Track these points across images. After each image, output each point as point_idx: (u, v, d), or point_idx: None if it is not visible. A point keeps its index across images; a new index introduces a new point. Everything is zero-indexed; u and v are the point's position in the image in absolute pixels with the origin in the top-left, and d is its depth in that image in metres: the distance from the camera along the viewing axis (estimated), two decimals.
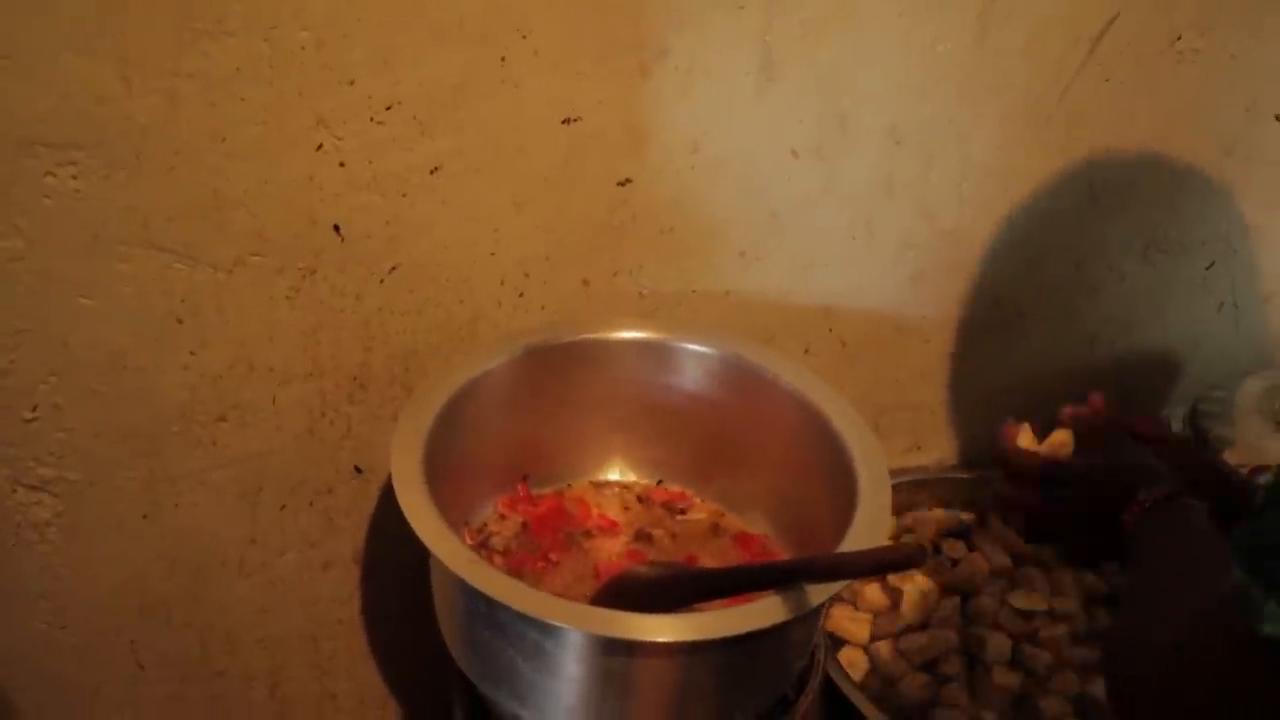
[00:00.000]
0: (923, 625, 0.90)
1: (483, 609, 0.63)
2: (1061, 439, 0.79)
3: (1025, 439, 0.80)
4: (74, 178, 0.65)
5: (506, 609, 0.60)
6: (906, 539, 0.99)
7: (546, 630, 0.61)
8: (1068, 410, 0.81)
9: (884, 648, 0.88)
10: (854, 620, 0.91)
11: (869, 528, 0.67)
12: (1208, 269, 1.12)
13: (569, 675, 0.63)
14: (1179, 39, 0.94)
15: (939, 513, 1.03)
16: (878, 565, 0.61)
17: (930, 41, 0.84)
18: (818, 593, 0.61)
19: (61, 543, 0.76)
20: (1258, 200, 1.09)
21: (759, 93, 0.81)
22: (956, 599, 0.92)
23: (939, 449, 1.10)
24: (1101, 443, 0.78)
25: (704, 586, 0.68)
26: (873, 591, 0.93)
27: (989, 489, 0.84)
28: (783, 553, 0.80)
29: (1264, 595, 0.44)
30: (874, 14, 0.81)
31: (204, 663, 0.86)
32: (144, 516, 0.78)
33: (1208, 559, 0.56)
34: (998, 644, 0.87)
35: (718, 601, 0.65)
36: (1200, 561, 0.57)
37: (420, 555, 0.65)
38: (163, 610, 0.82)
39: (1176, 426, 1.15)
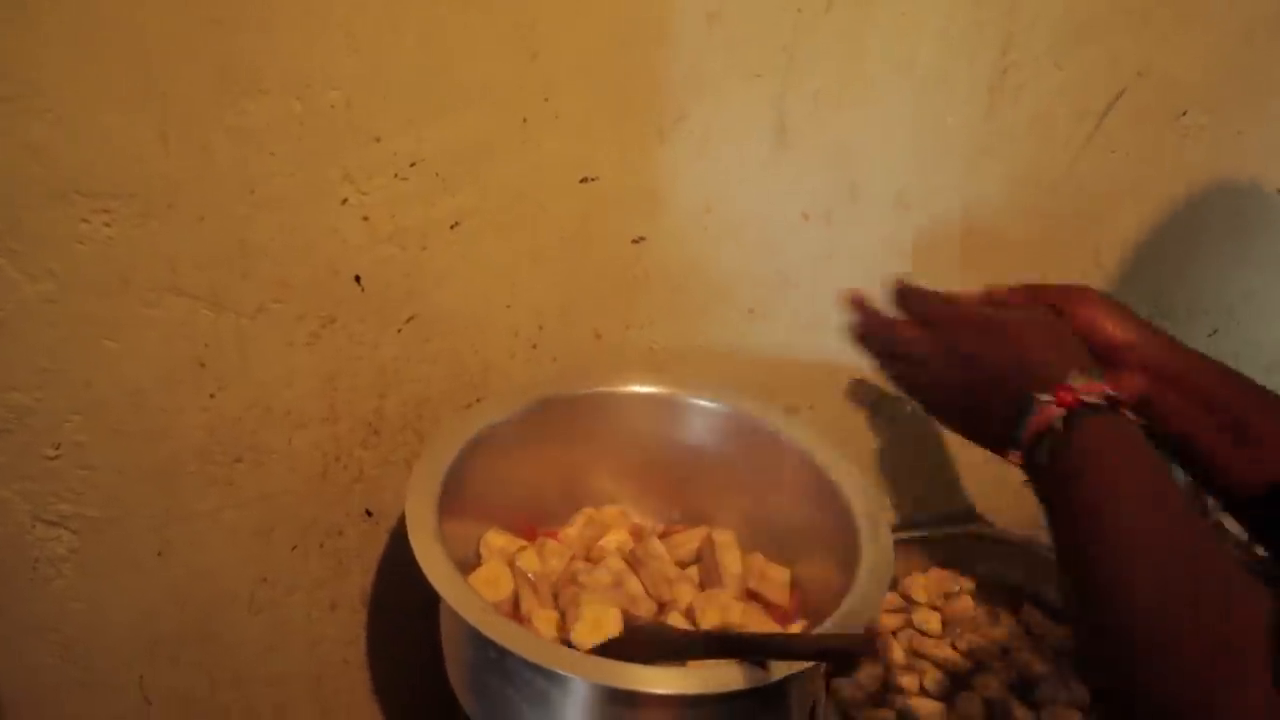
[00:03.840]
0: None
1: (492, 656, 0.64)
2: None
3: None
4: (107, 225, 0.68)
5: (515, 657, 0.62)
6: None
7: (553, 678, 0.62)
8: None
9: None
10: None
11: (867, 595, 0.68)
12: (1210, 336, 1.13)
13: None
14: (1184, 114, 0.96)
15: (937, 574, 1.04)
16: (823, 653, 0.61)
17: (939, 113, 0.86)
18: (778, 668, 0.62)
19: (76, 578, 0.77)
20: (1259, 271, 1.11)
21: (772, 158, 0.83)
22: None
23: (941, 505, 1.11)
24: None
25: (672, 647, 0.68)
26: None
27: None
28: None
29: None
30: (885, 86, 0.83)
31: (210, 699, 0.87)
32: (158, 554, 0.79)
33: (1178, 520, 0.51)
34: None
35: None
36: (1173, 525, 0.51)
37: (426, 599, 0.66)
38: (172, 647, 0.83)
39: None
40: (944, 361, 0.62)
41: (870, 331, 0.66)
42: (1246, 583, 0.48)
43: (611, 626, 0.71)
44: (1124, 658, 0.49)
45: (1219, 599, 0.48)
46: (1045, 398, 0.55)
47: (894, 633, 0.99)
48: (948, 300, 0.65)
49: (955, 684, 0.94)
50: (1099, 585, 0.51)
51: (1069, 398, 0.55)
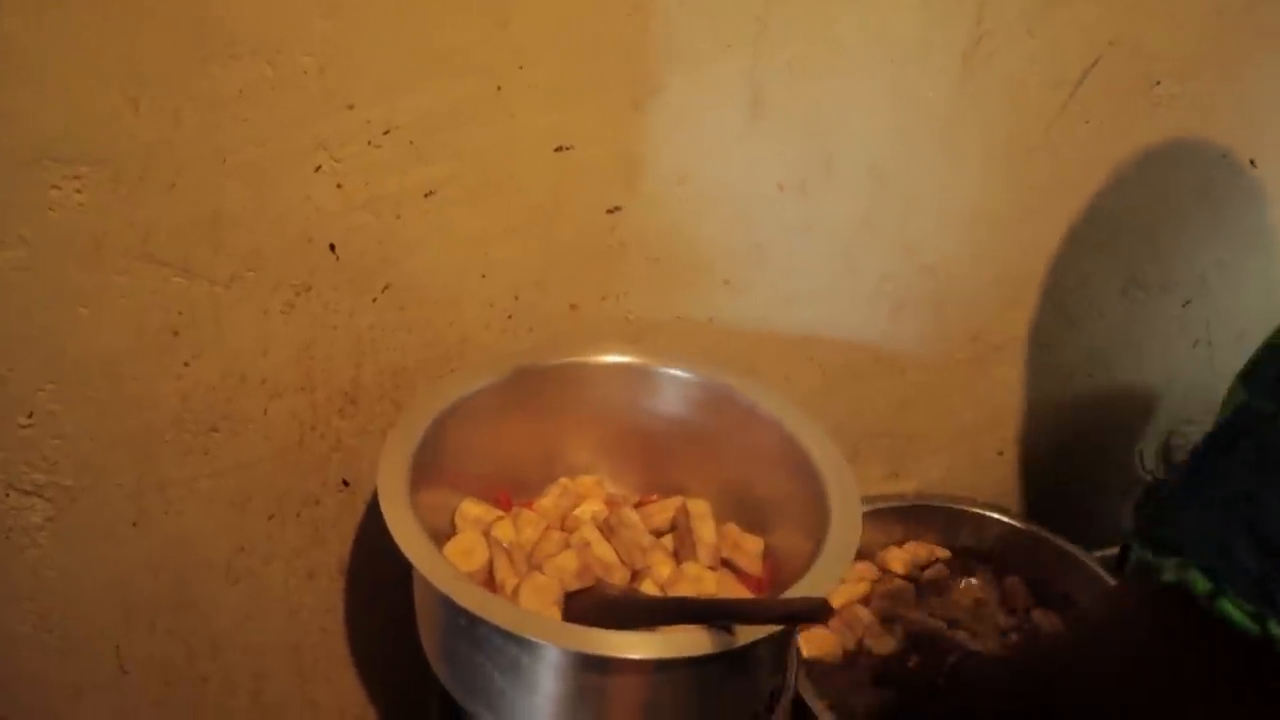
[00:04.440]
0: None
1: (462, 623, 0.65)
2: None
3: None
4: (78, 191, 0.67)
5: (485, 624, 0.62)
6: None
7: (524, 645, 0.63)
8: None
9: None
10: None
11: (831, 564, 0.69)
12: (1184, 307, 1.14)
13: (545, 690, 0.64)
14: (1158, 84, 0.97)
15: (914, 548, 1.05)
16: (786, 616, 0.63)
17: (914, 83, 0.87)
18: (744, 632, 0.63)
19: (51, 547, 0.78)
20: (1232, 242, 1.12)
21: (746, 129, 0.83)
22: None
23: (917, 477, 1.12)
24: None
25: (642, 612, 0.69)
26: None
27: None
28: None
29: (1157, 555, 0.51)
30: (859, 56, 0.84)
31: (187, 668, 0.87)
32: (133, 523, 0.79)
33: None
34: None
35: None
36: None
37: (402, 569, 0.67)
38: (148, 615, 0.83)
39: (1150, 461, 1.18)
40: None
41: None
42: None
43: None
44: None
45: None
46: None
47: (866, 600, 1.00)
48: None
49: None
50: None
51: None
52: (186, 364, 0.75)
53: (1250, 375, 0.54)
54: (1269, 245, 1.14)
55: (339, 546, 0.88)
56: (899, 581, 1.02)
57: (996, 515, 1.07)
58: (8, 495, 0.75)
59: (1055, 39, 0.89)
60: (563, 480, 0.85)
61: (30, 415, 0.73)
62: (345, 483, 0.86)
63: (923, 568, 1.04)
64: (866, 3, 0.82)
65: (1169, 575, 0.51)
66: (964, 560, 1.06)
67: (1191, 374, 1.19)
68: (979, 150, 0.93)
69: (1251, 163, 1.06)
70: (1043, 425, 1.14)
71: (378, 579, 0.90)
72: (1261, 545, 0.48)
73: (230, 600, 0.86)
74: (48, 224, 0.67)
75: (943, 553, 1.06)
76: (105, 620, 0.82)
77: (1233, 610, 0.48)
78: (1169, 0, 0.92)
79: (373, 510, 0.88)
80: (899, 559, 1.04)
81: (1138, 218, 1.05)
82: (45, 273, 0.69)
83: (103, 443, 0.75)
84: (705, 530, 0.80)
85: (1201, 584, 0.49)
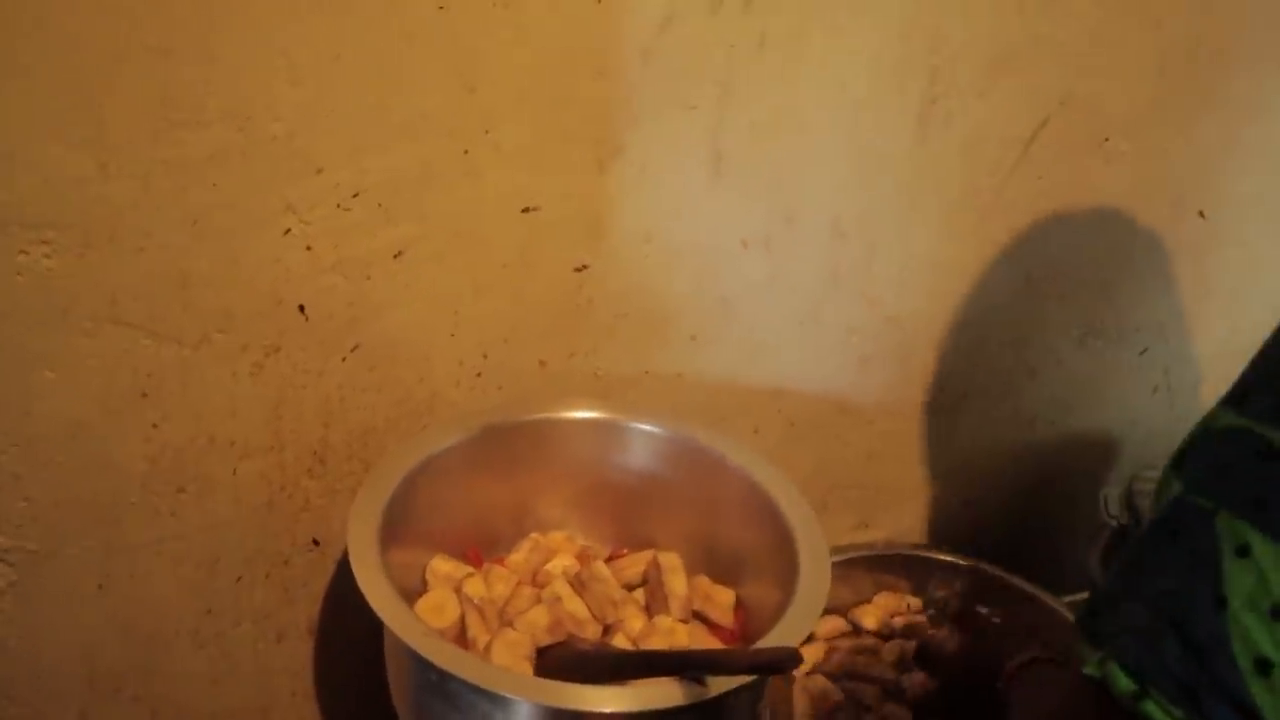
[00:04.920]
0: None
1: (434, 680, 0.65)
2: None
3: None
4: (46, 256, 0.68)
5: (457, 680, 0.62)
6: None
7: (496, 701, 0.63)
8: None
9: None
10: None
11: (801, 613, 0.69)
12: (1141, 354, 1.17)
13: None
14: (1107, 140, 1.00)
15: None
16: (756, 666, 0.64)
17: (872, 142, 0.89)
18: (715, 683, 0.63)
19: (14, 612, 0.77)
20: (1187, 290, 1.15)
21: (709, 187, 0.85)
22: None
23: (886, 527, 1.13)
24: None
25: (614, 666, 0.70)
26: None
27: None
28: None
29: (1088, 648, 0.50)
30: (819, 117, 0.86)
31: None
32: (99, 586, 0.78)
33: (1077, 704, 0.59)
34: None
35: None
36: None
37: (372, 626, 0.67)
38: (114, 681, 0.82)
39: (1114, 506, 1.19)
40: None
41: None
42: None
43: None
44: None
45: None
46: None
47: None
48: None
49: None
50: None
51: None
52: (155, 426, 0.75)
53: (1181, 466, 0.51)
54: (1221, 291, 1.17)
55: (308, 606, 0.88)
56: (870, 639, 1.03)
57: (965, 562, 1.08)
58: None
59: (1006, 99, 0.92)
60: (533, 535, 0.85)
61: None
62: (315, 542, 0.85)
63: (893, 615, 1.05)
64: (824, 68, 0.84)
65: (1091, 669, 0.49)
66: (934, 609, 1.06)
67: (1152, 419, 1.21)
68: (937, 205, 0.95)
69: (1200, 214, 1.09)
70: (1008, 472, 1.16)
71: (348, 638, 0.90)
72: (1188, 647, 0.46)
73: (198, 664, 0.85)
74: (14, 288, 0.68)
75: (915, 601, 1.06)
76: (70, 687, 0.81)
77: (1157, 713, 0.46)
78: (1115, 62, 0.95)
79: (342, 569, 0.87)
80: (871, 615, 1.04)
81: (1092, 269, 1.07)
82: (11, 336, 0.69)
83: (68, 506, 0.75)
84: (676, 583, 0.80)
85: (1124, 683, 0.48)
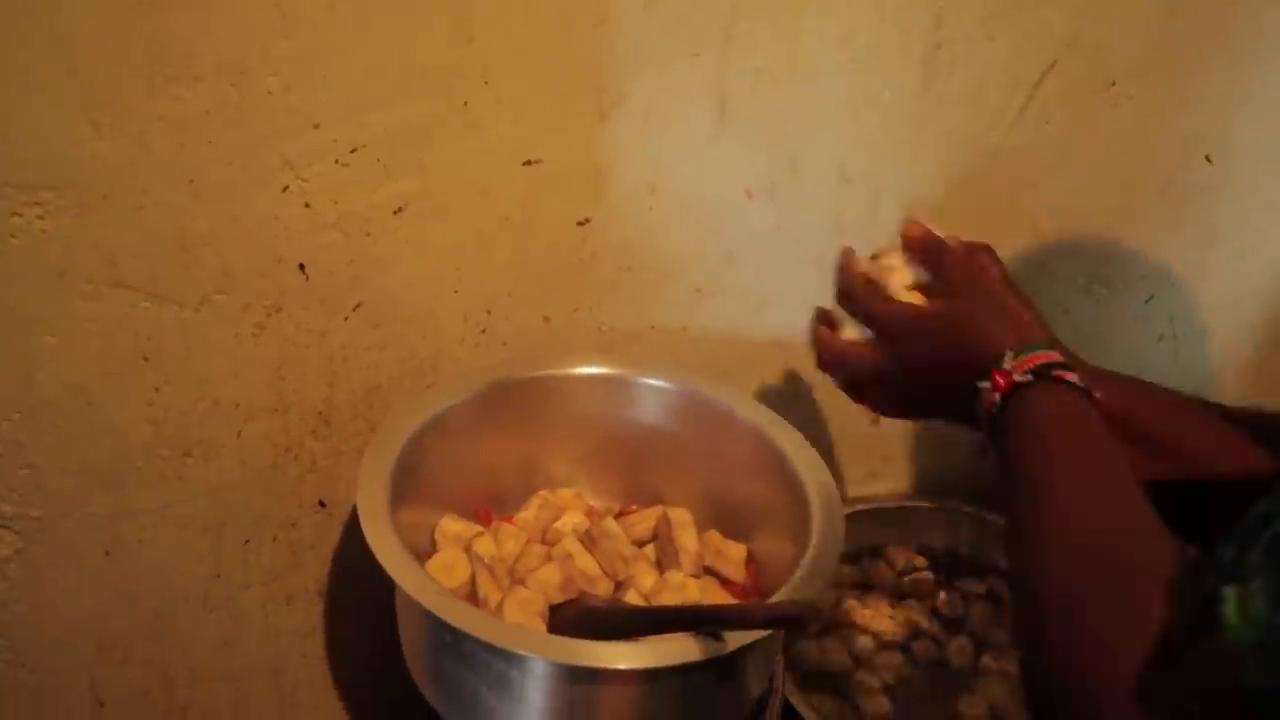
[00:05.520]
0: None
1: (448, 639, 0.65)
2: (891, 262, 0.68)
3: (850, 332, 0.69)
4: (40, 218, 0.66)
5: (471, 639, 0.62)
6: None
7: (510, 659, 0.63)
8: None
9: None
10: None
11: (816, 567, 0.69)
12: (1147, 302, 1.16)
13: (532, 703, 0.64)
14: (1114, 84, 0.98)
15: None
16: (772, 620, 0.63)
17: (877, 88, 0.88)
18: (731, 639, 0.62)
19: (21, 580, 0.76)
20: (1193, 237, 1.14)
21: (713, 136, 0.84)
22: None
23: (894, 479, 1.13)
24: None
25: (628, 622, 0.69)
26: None
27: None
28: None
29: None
30: (823, 64, 0.84)
31: (166, 698, 0.86)
32: (106, 552, 0.78)
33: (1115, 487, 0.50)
34: None
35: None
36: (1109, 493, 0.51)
37: (382, 587, 0.66)
38: (123, 646, 0.82)
39: None
40: (895, 378, 0.67)
41: (825, 362, 0.72)
42: (1157, 564, 0.45)
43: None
44: (1029, 621, 0.49)
45: (1122, 580, 0.46)
46: (984, 384, 0.59)
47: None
48: (886, 300, 0.67)
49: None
50: (1022, 551, 0.52)
51: (1003, 380, 0.58)
52: (157, 389, 0.74)
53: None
54: (1228, 239, 1.15)
55: (317, 569, 0.87)
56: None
57: (975, 512, 1.08)
58: None
59: (1013, 42, 0.90)
60: (542, 493, 0.85)
61: None
62: (321, 504, 0.85)
63: (901, 574, 1.05)
64: (829, 12, 0.82)
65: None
66: (941, 562, 1.06)
67: (1158, 368, 1.21)
68: (943, 152, 0.94)
69: (1208, 158, 1.08)
70: None
71: (357, 600, 0.89)
72: None
73: (207, 628, 0.85)
74: (9, 251, 0.66)
75: (920, 560, 1.06)
76: (79, 653, 0.81)
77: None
78: (1122, 3, 0.93)
79: (350, 531, 0.87)
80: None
81: (1098, 215, 1.06)
82: (8, 301, 0.68)
83: (73, 472, 0.74)
84: (687, 538, 0.80)
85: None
